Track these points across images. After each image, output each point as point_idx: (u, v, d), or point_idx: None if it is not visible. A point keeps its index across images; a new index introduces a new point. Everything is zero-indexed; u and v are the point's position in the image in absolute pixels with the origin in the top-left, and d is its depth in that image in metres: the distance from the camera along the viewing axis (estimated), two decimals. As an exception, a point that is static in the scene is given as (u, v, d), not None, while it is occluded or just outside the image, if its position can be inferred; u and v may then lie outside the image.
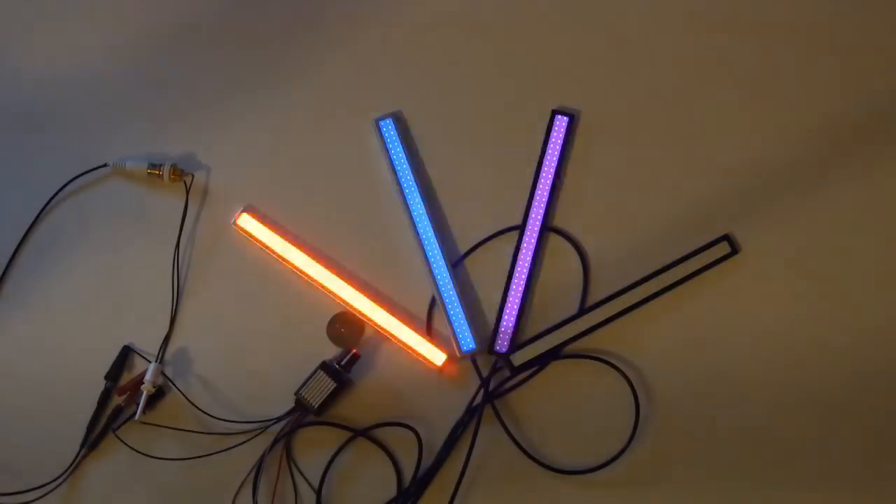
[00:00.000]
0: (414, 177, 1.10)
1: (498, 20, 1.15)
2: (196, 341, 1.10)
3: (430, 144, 1.12)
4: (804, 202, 1.07)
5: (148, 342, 1.10)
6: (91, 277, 1.12)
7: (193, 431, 1.06)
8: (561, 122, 1.10)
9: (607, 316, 1.05)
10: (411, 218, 1.09)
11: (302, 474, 1.05)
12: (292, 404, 1.05)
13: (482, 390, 1.05)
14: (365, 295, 1.08)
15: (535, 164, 1.09)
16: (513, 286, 1.07)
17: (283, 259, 1.09)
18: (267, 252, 1.10)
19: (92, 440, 1.07)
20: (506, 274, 1.07)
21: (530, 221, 1.08)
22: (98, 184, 1.15)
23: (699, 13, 1.13)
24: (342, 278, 1.08)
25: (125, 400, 1.08)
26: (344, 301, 1.08)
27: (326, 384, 1.04)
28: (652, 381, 1.04)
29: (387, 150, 1.11)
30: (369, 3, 1.17)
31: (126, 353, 1.10)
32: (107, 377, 1.09)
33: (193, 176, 1.13)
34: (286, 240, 1.10)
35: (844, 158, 1.07)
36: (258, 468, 1.05)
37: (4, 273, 1.13)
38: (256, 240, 1.10)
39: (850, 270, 1.05)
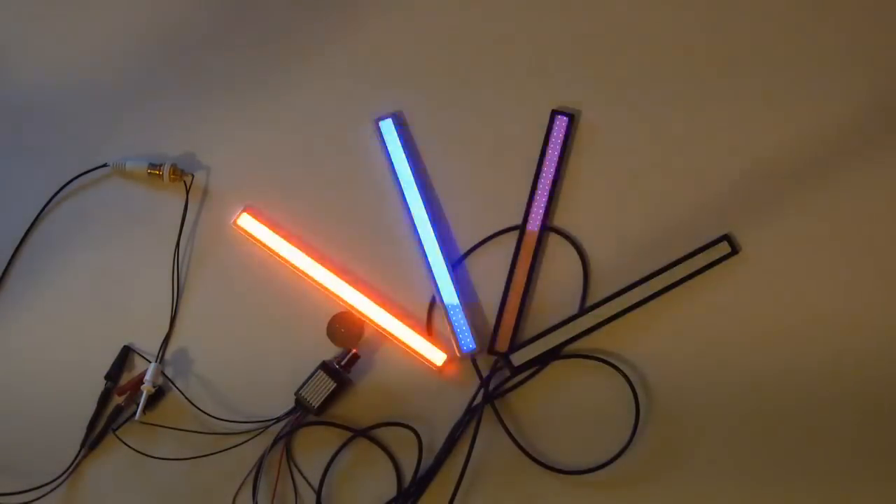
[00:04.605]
0: (414, 177, 1.10)
1: (498, 20, 1.15)
2: (196, 341, 1.10)
3: (430, 144, 1.12)
4: (804, 202, 1.07)
5: (148, 342, 1.10)
6: (91, 277, 1.12)
7: (193, 431, 1.06)
8: (561, 122, 1.10)
9: (607, 316, 1.05)
10: (411, 218, 1.09)
11: (302, 474, 1.05)
12: (292, 404, 1.05)
13: (482, 390, 1.05)
14: (365, 295, 1.08)
15: (535, 164, 1.09)
16: (513, 286, 1.07)
17: (283, 259, 1.09)
18: (267, 252, 1.10)
19: (92, 440, 1.07)
20: (506, 274, 1.07)
21: (530, 221, 1.08)
22: (98, 184, 1.15)
23: (699, 14, 1.13)
24: (342, 278, 1.08)
25: (125, 400, 1.08)
26: (344, 301, 1.08)
27: (326, 384, 1.04)
28: (652, 382, 1.04)
29: (387, 150, 1.11)
30: (369, 3, 1.17)
31: (126, 353, 1.10)
32: (107, 377, 1.09)
33: (193, 176, 1.13)
34: (286, 240, 1.10)
35: (844, 157, 1.07)
36: (258, 468, 1.05)
37: (4, 273, 1.13)
38: (256, 240, 1.10)
39: (850, 269, 1.05)
